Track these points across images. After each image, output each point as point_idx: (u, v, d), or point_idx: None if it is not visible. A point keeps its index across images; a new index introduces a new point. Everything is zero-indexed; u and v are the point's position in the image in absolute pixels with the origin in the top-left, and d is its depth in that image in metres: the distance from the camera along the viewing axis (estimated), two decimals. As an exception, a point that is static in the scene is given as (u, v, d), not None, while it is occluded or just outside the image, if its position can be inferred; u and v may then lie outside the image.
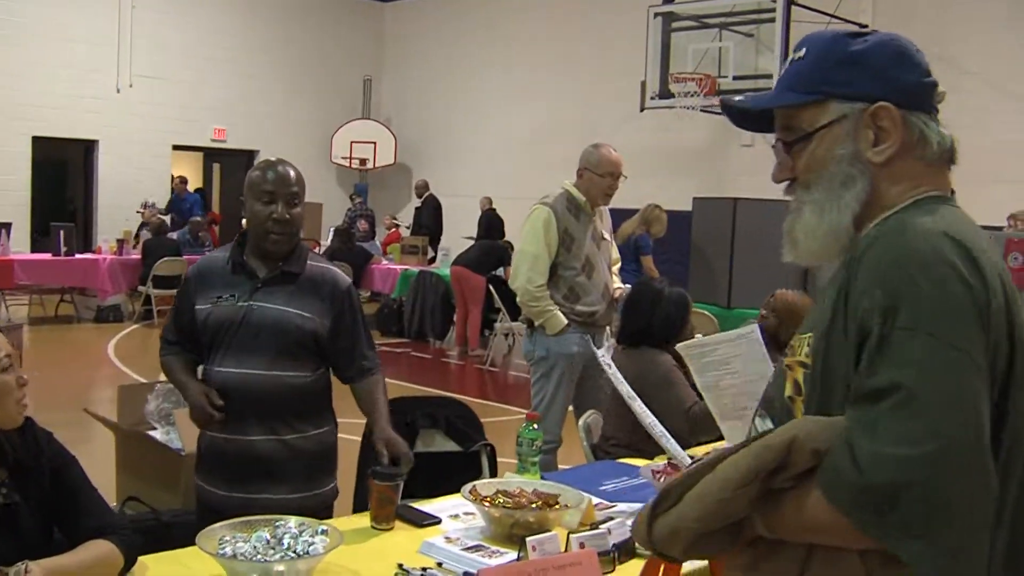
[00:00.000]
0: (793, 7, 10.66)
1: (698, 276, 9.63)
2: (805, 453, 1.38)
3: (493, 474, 3.74)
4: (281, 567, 2.19)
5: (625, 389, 2.77)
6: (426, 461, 3.64)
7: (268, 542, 2.26)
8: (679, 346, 2.72)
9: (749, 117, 1.71)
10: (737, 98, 1.67)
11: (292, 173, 2.99)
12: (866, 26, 11.61)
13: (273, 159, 3.06)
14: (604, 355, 2.68)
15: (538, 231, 4.78)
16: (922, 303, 1.36)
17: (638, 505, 2.86)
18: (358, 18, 17.86)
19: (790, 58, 1.64)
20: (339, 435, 3.18)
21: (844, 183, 1.55)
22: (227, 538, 2.27)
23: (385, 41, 18.11)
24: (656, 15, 11.66)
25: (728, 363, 2.61)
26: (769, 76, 10.88)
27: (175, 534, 3.04)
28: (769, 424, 1.59)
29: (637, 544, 2.50)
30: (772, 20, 10.73)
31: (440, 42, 16.91)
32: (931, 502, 1.29)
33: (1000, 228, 8.72)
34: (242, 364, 2.94)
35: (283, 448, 2.98)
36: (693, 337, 4.15)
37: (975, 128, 10.29)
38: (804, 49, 1.61)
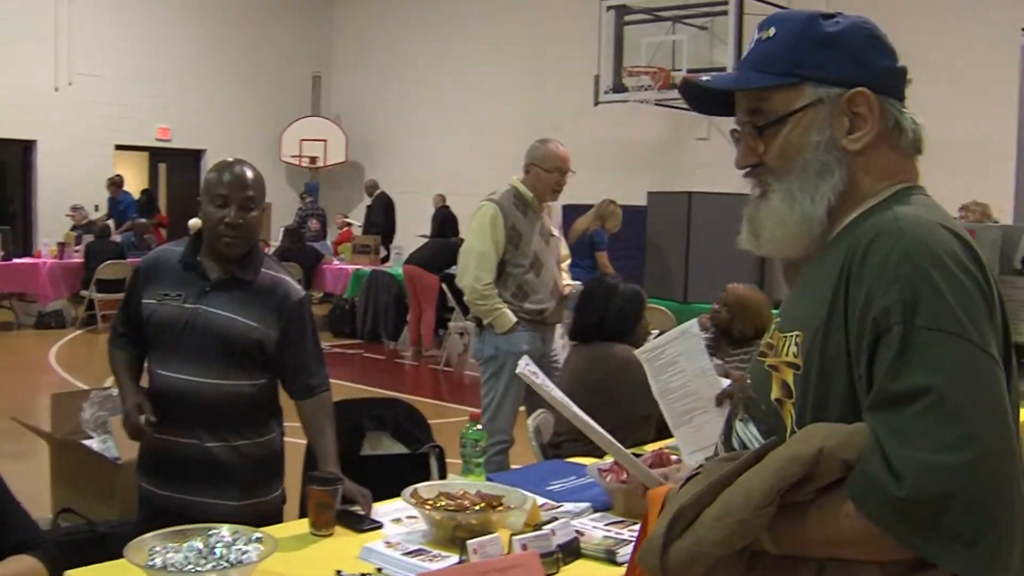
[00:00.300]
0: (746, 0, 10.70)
1: (654, 271, 9.62)
2: (834, 464, 1.31)
3: (442, 476, 3.69)
4: (212, 577, 2.13)
5: (557, 395, 2.75)
6: (374, 464, 3.60)
7: (200, 552, 2.21)
8: (637, 352, 2.73)
9: (707, 99, 1.64)
10: (704, 78, 1.58)
11: (249, 176, 2.91)
12: (817, 19, 11.70)
13: (231, 160, 2.98)
14: (527, 365, 2.66)
15: (485, 228, 4.73)
16: (941, 301, 1.31)
17: (584, 504, 2.83)
18: (307, 14, 17.71)
19: (756, 37, 1.57)
20: (287, 438, 3.11)
21: (820, 172, 1.49)
22: (158, 548, 2.21)
23: (335, 37, 17.97)
24: (609, 8, 11.69)
25: (675, 363, 2.61)
26: (723, 69, 10.92)
27: (112, 545, 2.95)
28: (753, 429, 1.50)
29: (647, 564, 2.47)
30: (725, 13, 10.80)
31: (391, 37, 16.81)
32: (977, 510, 1.24)
33: (951, 220, 8.77)
34: (187, 370, 2.88)
35: (229, 453, 2.92)
36: (647, 333, 4.15)
37: (927, 119, 10.34)
38: (773, 29, 1.54)
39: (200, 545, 2.23)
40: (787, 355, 1.46)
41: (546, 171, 4.77)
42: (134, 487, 3.10)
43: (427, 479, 3.66)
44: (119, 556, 2.27)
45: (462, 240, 10.93)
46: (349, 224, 15.12)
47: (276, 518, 2.98)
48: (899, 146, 1.51)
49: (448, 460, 3.75)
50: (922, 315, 1.31)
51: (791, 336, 1.46)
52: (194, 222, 12.02)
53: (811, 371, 1.41)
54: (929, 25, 11.02)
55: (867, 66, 1.50)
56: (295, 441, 3.19)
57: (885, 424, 1.29)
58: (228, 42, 16.67)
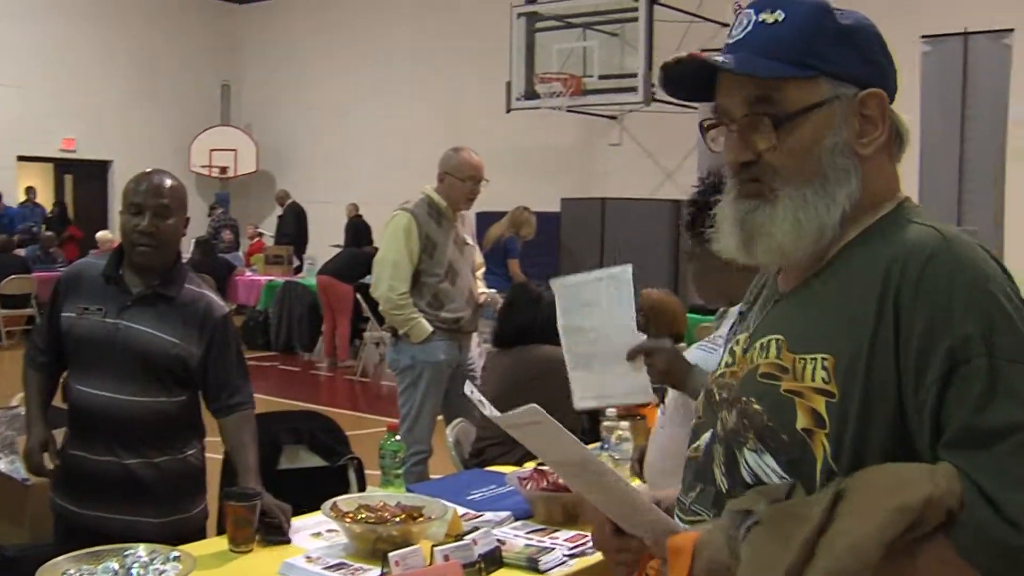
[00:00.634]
0: (656, 6, 10.85)
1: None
2: (940, 513, 1.20)
3: (361, 488, 3.68)
4: (129, 599, 2.10)
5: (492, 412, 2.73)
6: (292, 478, 3.57)
7: (116, 573, 2.19)
8: (553, 281, 2.57)
9: (688, 81, 1.48)
10: (719, 58, 1.40)
11: (166, 184, 2.89)
12: (726, 25, 11.90)
13: (150, 170, 2.96)
14: (473, 392, 2.64)
15: (399, 238, 4.72)
16: (1016, 331, 1.24)
17: (505, 513, 2.85)
18: (214, 22, 17.45)
19: (754, 19, 1.42)
20: (208, 454, 3.08)
21: (837, 178, 1.38)
22: (71, 572, 2.17)
23: (243, 46, 17.74)
24: (520, 15, 11.74)
25: (593, 303, 2.45)
26: (634, 75, 11.06)
27: (22, 570, 2.89)
28: (770, 461, 1.35)
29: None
30: (635, 20, 10.91)
31: (300, 45, 16.66)
32: None
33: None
34: (106, 386, 2.83)
35: (149, 470, 2.88)
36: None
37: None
38: (780, 13, 1.40)
39: (116, 566, 2.21)
40: (812, 380, 1.33)
41: (460, 180, 4.78)
42: (45, 508, 3.04)
43: (346, 491, 3.65)
44: (30, 580, 2.24)
45: (376, 249, 10.91)
46: (260, 235, 14.94)
47: (198, 535, 2.94)
48: (894, 155, 1.45)
49: (367, 472, 3.73)
50: (1001, 347, 1.23)
51: (815, 359, 1.33)
52: (102, 235, 11.78)
53: (851, 400, 1.29)
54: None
55: (876, 66, 1.42)
56: (215, 457, 3.15)
57: (979, 465, 1.20)
58: (136, 51, 16.34)
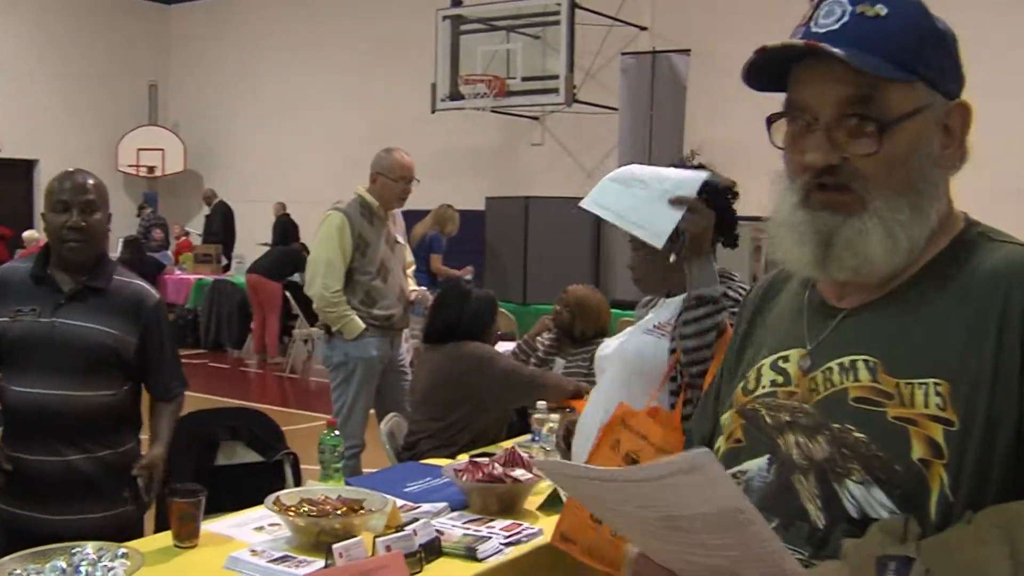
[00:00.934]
0: (577, 10, 10.99)
1: (493, 274, 9.80)
2: None
3: (297, 482, 3.73)
4: (79, 595, 2.14)
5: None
6: (229, 474, 3.62)
7: (64, 572, 2.20)
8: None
9: (769, 69, 1.34)
10: (836, 50, 1.24)
11: (90, 182, 2.96)
12: (645, 28, 12.10)
13: (71, 169, 3.03)
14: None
15: (332, 237, 4.79)
16: None
17: (442, 504, 2.94)
18: (141, 21, 17.16)
19: (851, 9, 1.27)
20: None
21: (929, 192, 1.28)
22: (18, 572, 2.19)
23: (171, 45, 17.49)
24: (444, 18, 11.80)
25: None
26: (555, 77, 11.20)
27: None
28: (879, 494, 1.23)
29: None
30: (557, 23, 11.03)
31: (227, 45, 16.51)
32: None
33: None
34: (46, 384, 2.87)
35: (91, 465, 2.92)
36: (499, 335, 4.29)
37: (743, 126, 10.88)
38: (882, 6, 1.27)
39: (64, 564, 2.22)
40: (926, 407, 1.22)
41: (392, 180, 4.86)
42: None
43: (282, 486, 3.71)
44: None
45: (303, 245, 10.91)
46: (187, 234, 14.81)
47: (137, 529, 3.03)
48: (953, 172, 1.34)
49: (302, 466, 3.80)
50: None
51: (925, 384, 1.23)
52: (28, 234, 11.58)
53: (973, 427, 1.20)
54: (746, 37, 11.57)
55: (961, 77, 1.33)
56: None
57: None
58: (62, 50, 15.99)
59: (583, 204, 2.48)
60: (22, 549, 2.30)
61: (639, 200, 2.39)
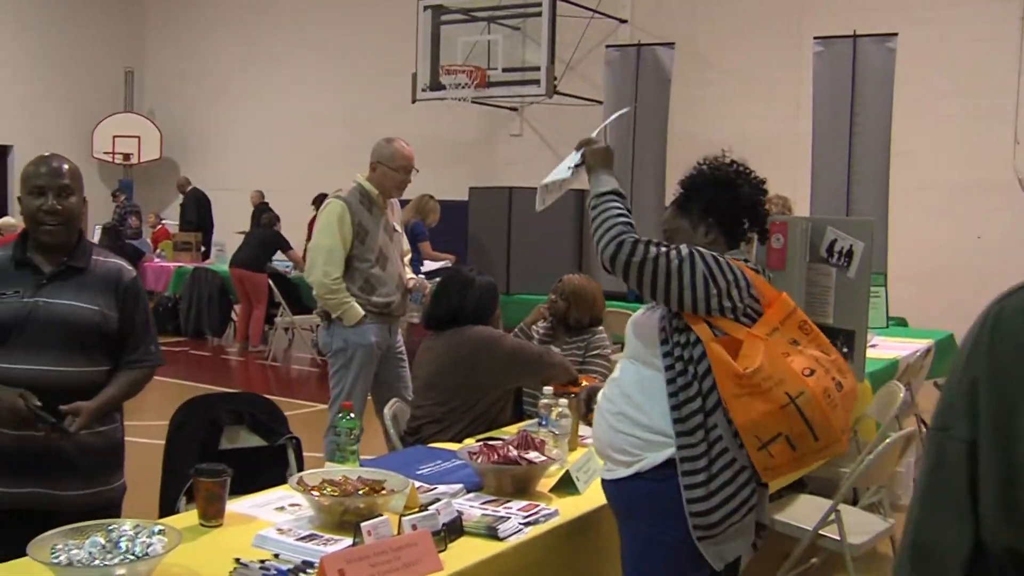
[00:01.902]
0: (558, 2, 11.06)
1: (477, 264, 9.78)
2: None
3: (300, 467, 3.79)
4: (122, 571, 2.18)
5: None
6: (232, 458, 3.65)
7: (103, 547, 2.25)
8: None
9: None
10: None
11: (65, 167, 3.01)
12: (625, 21, 12.20)
13: (47, 154, 3.07)
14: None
15: (332, 224, 4.84)
16: None
17: (458, 486, 3.02)
18: (117, 8, 17.03)
19: None
20: (132, 438, 3.20)
21: None
22: (59, 546, 2.24)
23: (146, 31, 17.37)
24: (426, 8, 11.83)
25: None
26: (536, 68, 11.26)
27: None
28: None
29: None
30: (538, 15, 11.10)
31: (203, 32, 16.43)
32: None
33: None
34: (30, 360, 2.90)
35: (71, 443, 2.92)
36: (500, 323, 4.36)
37: (724, 119, 11.02)
38: None
39: (102, 540, 2.26)
40: None
41: (392, 169, 4.92)
42: None
43: (285, 470, 3.78)
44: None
45: (277, 232, 10.87)
46: (161, 221, 14.74)
47: (116, 509, 3.05)
48: None
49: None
50: None
51: None
52: (3, 221, 11.48)
53: None
54: (725, 32, 11.70)
55: None
56: (144, 441, 3.21)
57: None
58: (36, 36, 15.86)
59: (539, 207, 2.98)
60: (4, 523, 2.32)
61: (554, 172, 2.91)
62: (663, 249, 2.56)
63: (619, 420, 2.65)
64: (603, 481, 2.75)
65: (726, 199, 2.75)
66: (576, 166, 2.84)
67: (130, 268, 3.15)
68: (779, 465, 2.50)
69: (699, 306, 2.55)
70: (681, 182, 2.83)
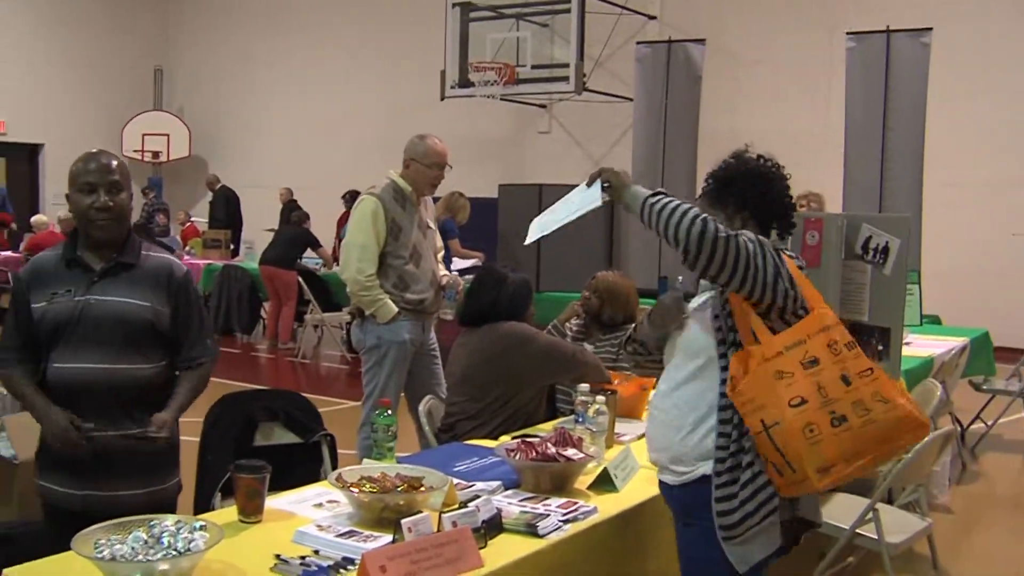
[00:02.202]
0: (586, -1, 11.05)
1: (506, 262, 9.81)
2: None
3: (334, 464, 3.79)
4: (165, 566, 2.18)
5: None
6: (267, 454, 3.66)
7: (146, 542, 2.24)
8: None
9: None
10: None
11: (114, 163, 3.00)
12: (654, 17, 12.16)
13: (94, 150, 3.06)
14: None
15: (366, 221, 4.83)
16: None
17: (496, 483, 3.00)
18: (147, 7, 17.17)
19: None
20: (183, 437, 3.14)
21: None
22: (103, 541, 2.24)
23: (176, 31, 17.49)
24: (454, 5, 11.84)
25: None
26: (565, 65, 11.24)
27: (12, 546, 2.95)
28: None
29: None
30: (567, 11, 11.07)
31: (233, 29, 16.51)
32: None
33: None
34: (83, 359, 2.90)
35: (127, 442, 2.92)
36: (533, 320, 4.34)
37: (755, 115, 10.94)
38: None
39: (144, 536, 2.27)
40: None
41: (426, 166, 4.90)
42: (33, 486, 3.08)
43: (320, 467, 3.78)
44: (24, 556, 2.30)
45: (307, 229, 10.89)
46: (190, 219, 14.81)
47: (172, 507, 3.03)
48: None
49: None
50: None
51: None
52: (37, 219, 11.57)
53: None
54: (754, 25, 11.64)
55: None
56: (185, 439, 3.21)
57: None
58: (68, 35, 16.02)
59: (530, 240, 2.85)
60: (67, 523, 2.32)
61: (560, 206, 2.78)
62: (732, 232, 2.54)
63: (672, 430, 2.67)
64: (662, 484, 2.76)
65: (761, 192, 2.73)
66: (604, 188, 2.73)
67: (180, 264, 3.14)
68: (780, 486, 2.50)
69: (767, 293, 2.53)
70: (712, 174, 2.81)
